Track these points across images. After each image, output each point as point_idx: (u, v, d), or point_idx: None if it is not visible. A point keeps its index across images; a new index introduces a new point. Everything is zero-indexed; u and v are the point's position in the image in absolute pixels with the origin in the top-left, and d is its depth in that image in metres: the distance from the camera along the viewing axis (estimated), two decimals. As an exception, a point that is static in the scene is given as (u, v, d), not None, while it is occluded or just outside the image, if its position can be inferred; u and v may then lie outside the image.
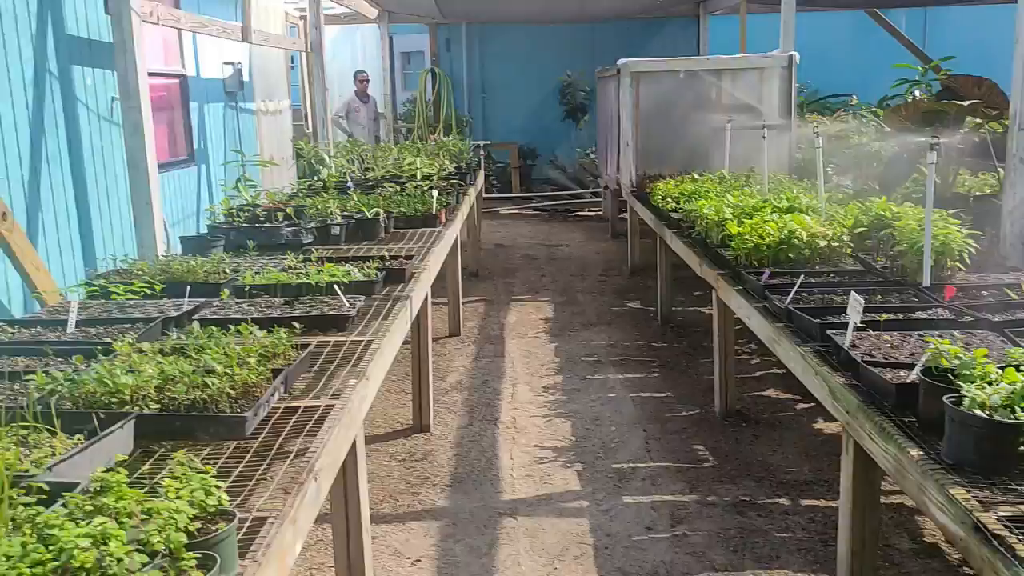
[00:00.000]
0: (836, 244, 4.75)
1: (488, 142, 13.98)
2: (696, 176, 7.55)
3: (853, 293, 3.31)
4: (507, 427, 5.07)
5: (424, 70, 14.50)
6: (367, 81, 12.45)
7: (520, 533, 3.84)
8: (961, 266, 4.38)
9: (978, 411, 2.30)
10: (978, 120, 5.86)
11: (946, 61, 7.50)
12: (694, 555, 3.59)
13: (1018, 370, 2.46)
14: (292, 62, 12.57)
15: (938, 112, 5.87)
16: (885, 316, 3.45)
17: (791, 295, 3.94)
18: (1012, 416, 2.26)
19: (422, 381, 5.01)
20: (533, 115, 14.71)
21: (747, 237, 4.70)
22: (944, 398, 2.38)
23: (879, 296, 3.99)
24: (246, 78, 9.79)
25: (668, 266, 7.01)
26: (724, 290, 4.77)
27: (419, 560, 3.66)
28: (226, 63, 9.30)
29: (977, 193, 6.28)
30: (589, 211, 13.56)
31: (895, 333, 3.38)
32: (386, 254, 4.70)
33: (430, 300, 4.92)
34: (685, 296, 7.93)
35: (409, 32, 14.95)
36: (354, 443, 2.88)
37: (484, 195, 13.38)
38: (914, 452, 2.42)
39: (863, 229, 4.91)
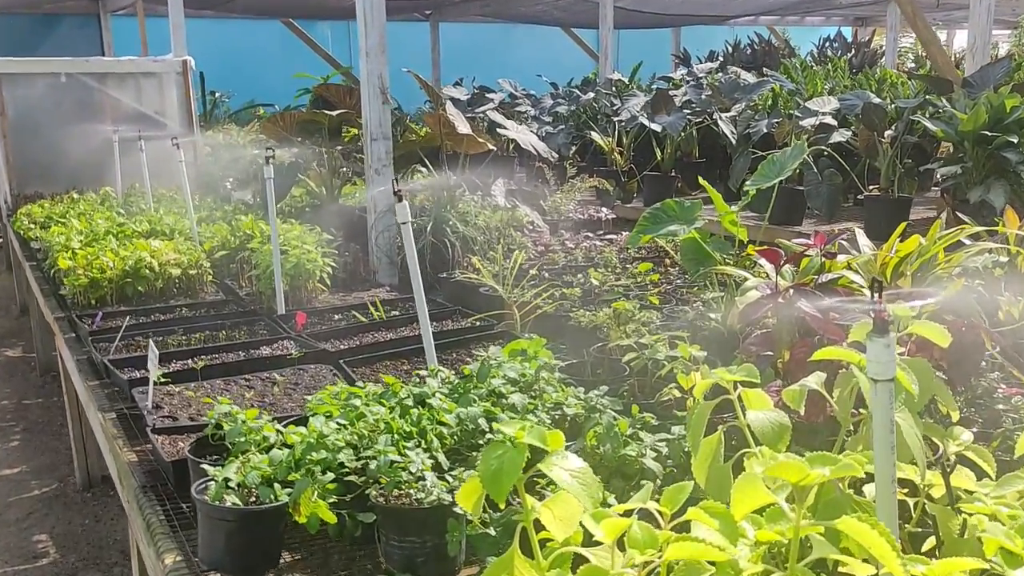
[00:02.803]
0: (194, 272, 4.18)
1: None
2: (76, 195, 6.52)
3: (151, 342, 2.73)
4: None
5: None
6: None
7: None
8: (324, 287, 4.13)
9: (231, 497, 1.83)
10: (354, 130, 5.81)
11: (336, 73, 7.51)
12: None
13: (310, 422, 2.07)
14: None
15: (313, 122, 5.67)
16: (203, 362, 2.93)
17: (116, 343, 3.25)
18: (271, 497, 1.84)
19: None
20: None
21: (80, 272, 3.88)
22: (193, 488, 1.88)
23: (224, 332, 3.51)
24: None
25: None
26: (60, 337, 3.91)
27: None
28: None
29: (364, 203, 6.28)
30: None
31: (218, 380, 2.89)
32: None
33: None
34: (79, 335, 6.78)
35: None
36: None
37: None
38: (170, 559, 1.89)
39: (226, 252, 4.43)
